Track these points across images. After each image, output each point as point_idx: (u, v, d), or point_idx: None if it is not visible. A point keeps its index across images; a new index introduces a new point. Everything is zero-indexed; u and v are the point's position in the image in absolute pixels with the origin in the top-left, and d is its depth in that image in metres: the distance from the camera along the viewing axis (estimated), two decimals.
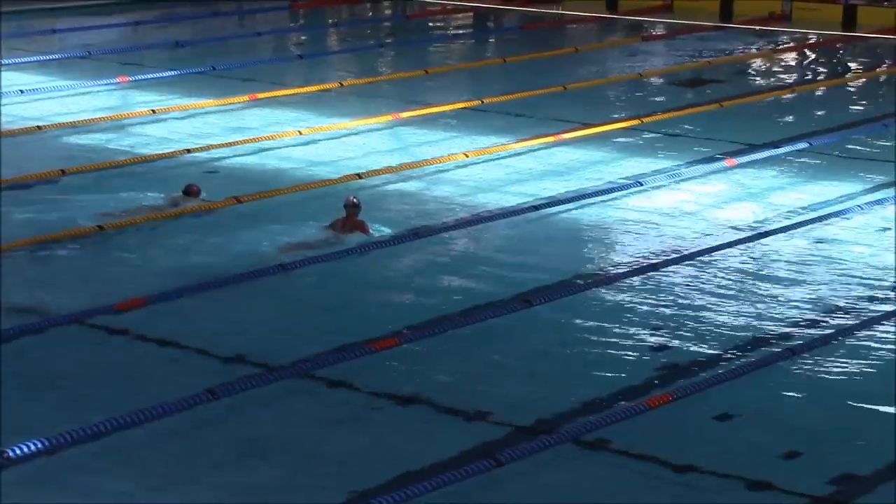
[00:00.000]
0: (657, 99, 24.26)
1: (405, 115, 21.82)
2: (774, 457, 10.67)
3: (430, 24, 32.96)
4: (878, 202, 17.43)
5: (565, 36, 31.82)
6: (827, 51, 29.83)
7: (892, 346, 12.89)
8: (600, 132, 21.10)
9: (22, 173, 17.84)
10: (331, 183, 17.93)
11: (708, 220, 16.86)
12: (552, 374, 12.31)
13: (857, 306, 13.92)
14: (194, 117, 21.74)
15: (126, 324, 13.07)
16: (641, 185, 18.11)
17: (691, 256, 15.35)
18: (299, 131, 20.65)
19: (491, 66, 27.48)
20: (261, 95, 23.07)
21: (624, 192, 17.86)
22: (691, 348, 12.79)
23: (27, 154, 19.15)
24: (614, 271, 14.89)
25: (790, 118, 22.75)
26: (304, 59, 27.45)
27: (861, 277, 14.81)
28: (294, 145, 20.07)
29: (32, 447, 10.29)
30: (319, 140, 20.49)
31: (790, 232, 16.31)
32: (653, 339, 13.01)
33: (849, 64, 28.93)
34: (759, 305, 13.92)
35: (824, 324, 13.43)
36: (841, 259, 15.44)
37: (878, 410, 11.59)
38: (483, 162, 19.31)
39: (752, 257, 15.43)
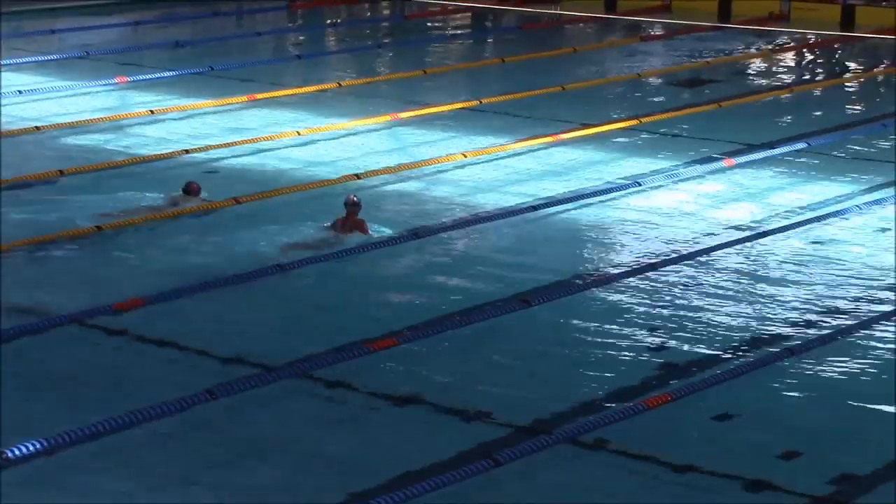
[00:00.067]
0: (655, 99, 24.26)
1: (404, 115, 21.82)
2: (774, 457, 10.67)
3: (429, 24, 32.96)
4: (877, 202, 17.44)
5: (564, 36, 31.82)
6: (825, 51, 29.84)
7: (891, 346, 12.89)
8: (599, 132, 21.11)
9: (20, 174, 17.83)
10: (329, 183, 17.93)
11: (706, 221, 16.86)
12: (551, 374, 12.30)
13: (856, 306, 13.92)
14: (193, 118, 21.74)
15: (125, 324, 13.06)
16: (640, 185, 18.11)
17: (690, 256, 15.35)
18: (298, 132, 20.65)
19: (489, 66, 27.48)
20: (259, 96, 23.07)
21: (622, 192, 17.86)
22: (690, 348, 12.79)
23: (26, 154, 19.14)
24: (613, 271, 14.89)
25: (789, 118, 22.76)
26: (303, 59, 27.44)
27: (860, 277, 14.81)
28: (293, 146, 20.07)
29: (31, 447, 10.29)
30: (318, 140, 20.49)
31: (789, 232, 16.31)
32: (651, 338, 13.01)
33: (847, 64, 28.94)
34: (757, 305, 13.92)
35: (823, 324, 13.43)
36: (839, 259, 15.43)
37: (877, 410, 11.58)
38: (481, 162, 19.31)
39: (750, 257, 15.43)
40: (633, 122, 21.72)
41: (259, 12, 33.57)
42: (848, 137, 20.99)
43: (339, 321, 13.45)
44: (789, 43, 30.21)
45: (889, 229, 16.41)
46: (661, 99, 24.20)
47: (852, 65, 28.79)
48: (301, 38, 31.23)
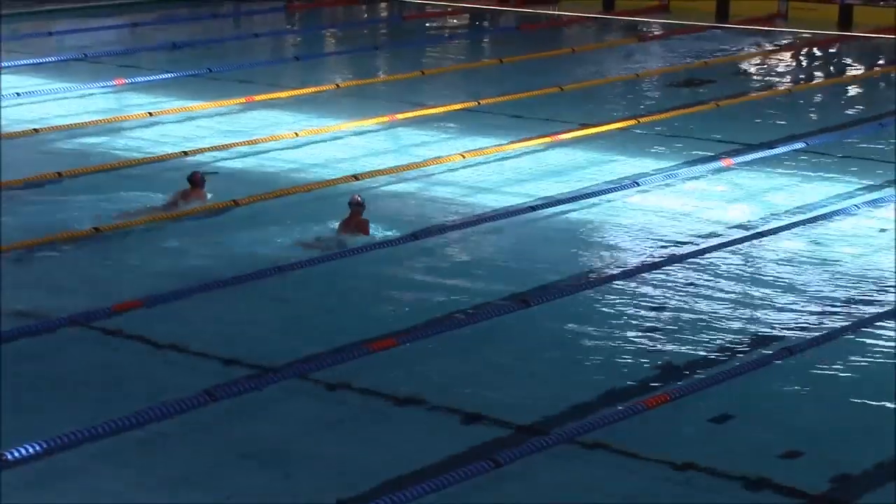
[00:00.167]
0: (654, 99, 24.27)
1: (402, 116, 21.82)
2: (774, 456, 10.67)
3: (427, 25, 32.97)
4: (876, 202, 17.44)
5: (562, 36, 31.82)
6: (823, 51, 29.84)
7: (891, 346, 12.89)
8: (597, 133, 21.11)
9: (19, 176, 17.83)
10: (328, 184, 17.93)
11: (705, 221, 16.86)
12: (550, 374, 12.30)
13: (855, 306, 13.92)
14: (191, 119, 21.74)
15: (124, 326, 13.06)
16: (638, 185, 18.11)
17: (689, 256, 15.35)
18: (296, 133, 20.64)
19: (487, 66, 27.48)
20: (257, 97, 23.07)
21: (621, 192, 17.86)
22: (689, 348, 12.79)
23: (24, 157, 19.14)
24: (612, 271, 14.89)
25: (787, 118, 22.74)
26: (301, 60, 27.45)
27: (859, 277, 14.81)
28: (291, 147, 20.06)
29: (31, 449, 10.28)
30: (316, 142, 20.49)
31: (787, 232, 16.31)
32: (651, 338, 13.00)
33: (845, 64, 28.94)
34: (756, 305, 13.91)
35: (822, 323, 13.43)
36: (838, 259, 15.44)
37: (877, 409, 11.59)
38: (480, 163, 19.31)
39: (749, 257, 15.42)
40: (632, 123, 21.72)
41: (257, 14, 33.56)
42: (846, 137, 21.00)
43: (338, 321, 13.45)
44: (787, 43, 30.22)
45: (887, 229, 16.41)
46: (660, 99, 24.21)
47: (850, 65, 28.79)
48: (299, 39, 31.24)
